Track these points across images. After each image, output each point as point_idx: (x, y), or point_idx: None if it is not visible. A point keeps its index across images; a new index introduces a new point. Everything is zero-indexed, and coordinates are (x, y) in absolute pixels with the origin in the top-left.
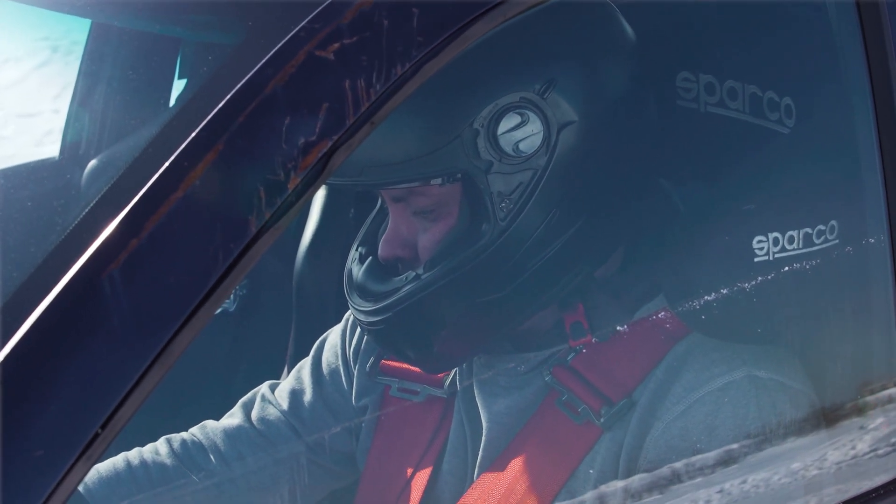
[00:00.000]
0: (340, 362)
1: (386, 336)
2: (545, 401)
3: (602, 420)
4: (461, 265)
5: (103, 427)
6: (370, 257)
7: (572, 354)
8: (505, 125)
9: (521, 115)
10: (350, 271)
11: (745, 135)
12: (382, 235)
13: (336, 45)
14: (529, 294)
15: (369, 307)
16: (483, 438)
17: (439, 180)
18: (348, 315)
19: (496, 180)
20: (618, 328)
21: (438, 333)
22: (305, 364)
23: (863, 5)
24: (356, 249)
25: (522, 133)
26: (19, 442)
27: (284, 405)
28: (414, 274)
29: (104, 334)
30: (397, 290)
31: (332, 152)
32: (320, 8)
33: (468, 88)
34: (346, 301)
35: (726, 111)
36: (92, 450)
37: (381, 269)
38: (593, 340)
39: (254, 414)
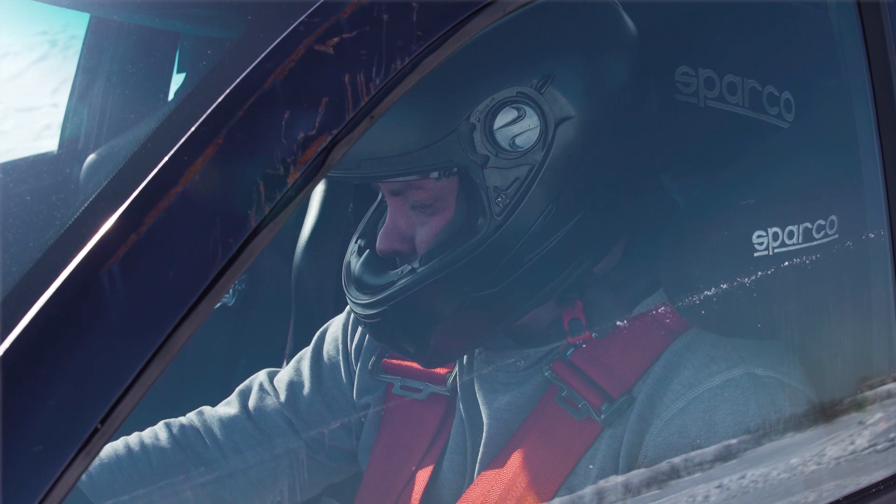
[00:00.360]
0: (341, 357)
1: (382, 329)
2: (545, 396)
3: (602, 416)
4: (457, 259)
5: (102, 422)
6: (368, 250)
7: (571, 350)
8: (501, 120)
9: (518, 109)
10: (348, 264)
11: (745, 129)
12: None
13: (335, 40)
14: (526, 289)
15: (366, 300)
16: (484, 435)
17: (436, 174)
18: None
19: (492, 175)
20: (617, 324)
21: (434, 327)
22: (305, 355)
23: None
24: (355, 242)
25: (519, 128)
26: (19, 437)
27: (282, 397)
28: (410, 268)
29: (103, 329)
30: (393, 283)
31: (331, 147)
32: (319, 2)
33: (465, 82)
34: (345, 294)
35: (726, 105)
36: (91, 445)
37: (379, 263)
38: (592, 336)
39: (251, 403)
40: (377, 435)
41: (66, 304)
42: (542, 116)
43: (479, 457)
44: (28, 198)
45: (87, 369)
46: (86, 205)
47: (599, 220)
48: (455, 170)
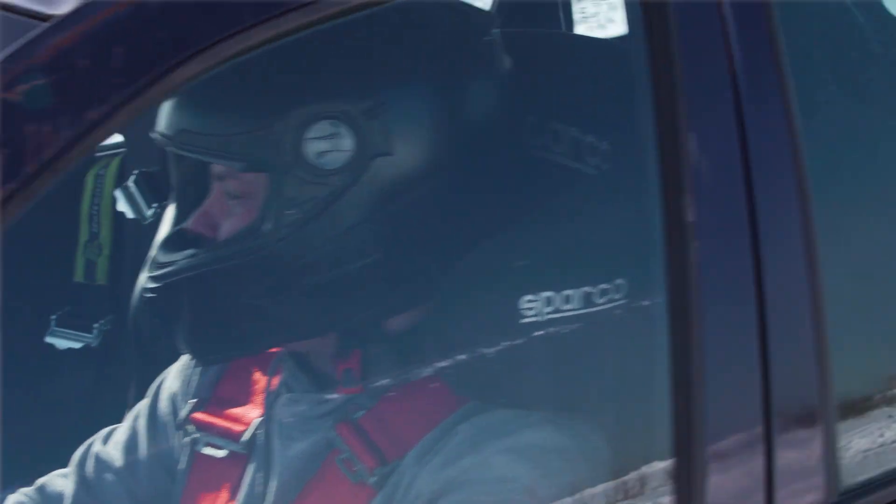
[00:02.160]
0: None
1: (156, 308)
2: (329, 457)
3: (373, 479)
4: (232, 257)
5: None
6: (178, 228)
7: (362, 412)
8: (315, 132)
9: (335, 126)
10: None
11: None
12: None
13: (25, 87)
14: (297, 315)
15: (150, 273)
16: (275, 483)
17: (239, 165)
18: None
19: (290, 184)
20: (395, 385)
21: (201, 321)
22: (142, 412)
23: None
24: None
25: (329, 146)
26: None
27: (119, 462)
28: (193, 251)
29: None
30: (175, 262)
31: (5, 203)
32: (14, 48)
33: (294, 80)
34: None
35: None
36: None
37: (176, 241)
38: (364, 391)
39: (89, 475)
40: (182, 495)
41: None
42: (359, 143)
43: None
44: None
45: None
46: None
47: (388, 272)
48: (256, 166)
